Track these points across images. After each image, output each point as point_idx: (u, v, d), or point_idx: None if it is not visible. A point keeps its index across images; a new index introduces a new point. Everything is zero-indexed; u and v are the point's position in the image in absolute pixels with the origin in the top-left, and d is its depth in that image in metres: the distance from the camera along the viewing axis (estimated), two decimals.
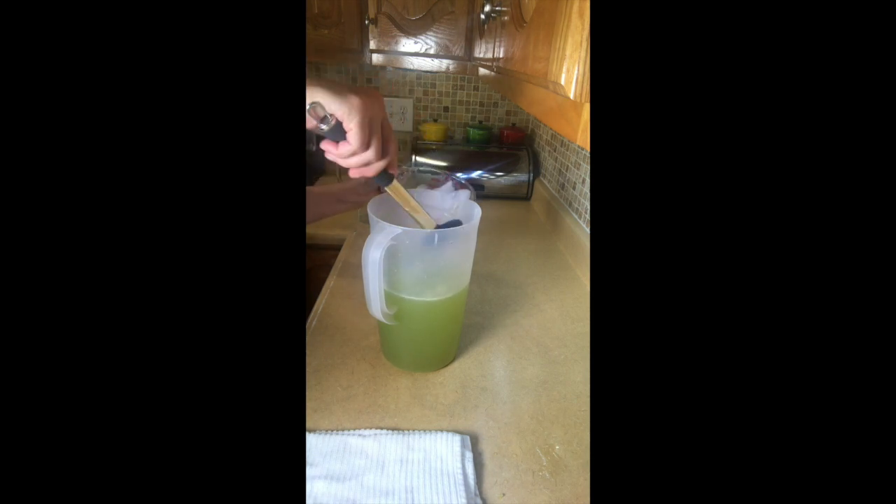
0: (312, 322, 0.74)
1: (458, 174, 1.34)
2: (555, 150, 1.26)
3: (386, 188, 0.54)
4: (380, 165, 0.49)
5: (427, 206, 0.58)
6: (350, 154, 0.47)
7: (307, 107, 0.43)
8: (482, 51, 0.86)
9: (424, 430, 0.53)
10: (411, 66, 1.19)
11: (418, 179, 0.68)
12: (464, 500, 0.45)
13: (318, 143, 0.49)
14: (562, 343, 0.73)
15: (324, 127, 0.44)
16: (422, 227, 0.57)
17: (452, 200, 0.63)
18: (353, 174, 0.51)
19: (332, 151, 0.47)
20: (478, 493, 0.47)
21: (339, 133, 0.46)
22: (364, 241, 0.51)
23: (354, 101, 0.44)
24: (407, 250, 0.55)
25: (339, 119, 0.44)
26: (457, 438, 0.51)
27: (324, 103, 0.43)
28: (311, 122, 0.44)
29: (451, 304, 0.61)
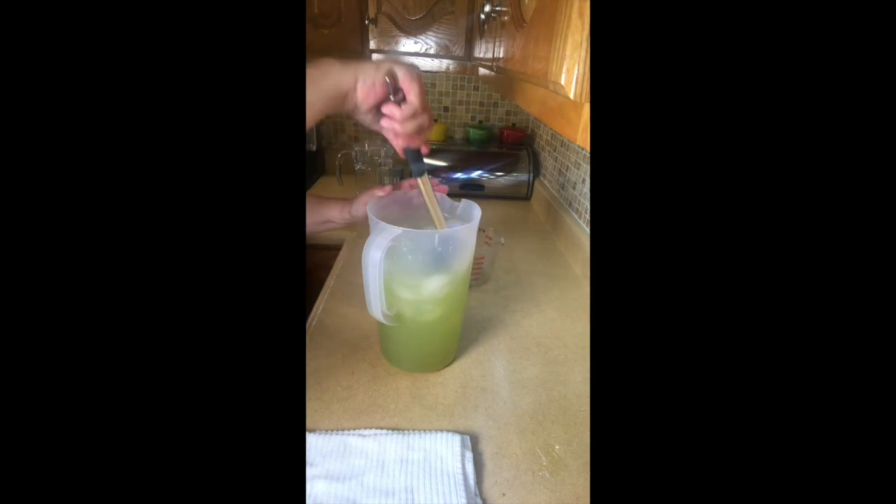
0: (312, 322, 0.74)
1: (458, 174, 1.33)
2: (555, 150, 1.26)
3: (419, 179, 0.56)
4: (430, 129, 0.52)
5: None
6: (410, 116, 0.48)
7: (384, 79, 0.45)
8: (482, 51, 0.86)
9: (424, 430, 0.53)
10: None
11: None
12: (464, 500, 0.45)
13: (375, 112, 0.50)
14: (562, 343, 0.73)
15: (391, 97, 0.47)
16: (437, 226, 0.58)
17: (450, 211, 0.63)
18: (402, 143, 0.52)
19: (396, 116, 0.49)
20: (478, 493, 0.47)
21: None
22: (364, 241, 0.51)
23: (413, 68, 0.46)
24: (407, 251, 0.55)
25: (401, 85, 0.46)
26: (457, 438, 0.51)
27: (394, 70, 0.45)
28: (379, 92, 0.46)
29: (451, 305, 0.61)
